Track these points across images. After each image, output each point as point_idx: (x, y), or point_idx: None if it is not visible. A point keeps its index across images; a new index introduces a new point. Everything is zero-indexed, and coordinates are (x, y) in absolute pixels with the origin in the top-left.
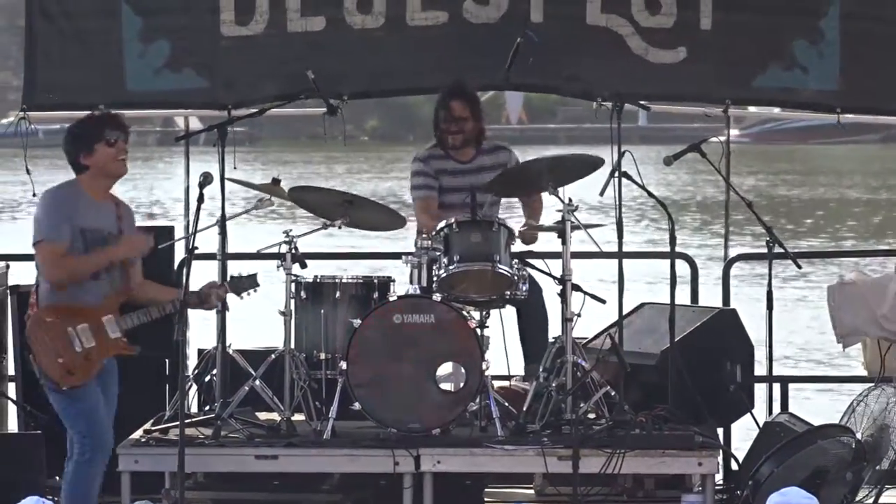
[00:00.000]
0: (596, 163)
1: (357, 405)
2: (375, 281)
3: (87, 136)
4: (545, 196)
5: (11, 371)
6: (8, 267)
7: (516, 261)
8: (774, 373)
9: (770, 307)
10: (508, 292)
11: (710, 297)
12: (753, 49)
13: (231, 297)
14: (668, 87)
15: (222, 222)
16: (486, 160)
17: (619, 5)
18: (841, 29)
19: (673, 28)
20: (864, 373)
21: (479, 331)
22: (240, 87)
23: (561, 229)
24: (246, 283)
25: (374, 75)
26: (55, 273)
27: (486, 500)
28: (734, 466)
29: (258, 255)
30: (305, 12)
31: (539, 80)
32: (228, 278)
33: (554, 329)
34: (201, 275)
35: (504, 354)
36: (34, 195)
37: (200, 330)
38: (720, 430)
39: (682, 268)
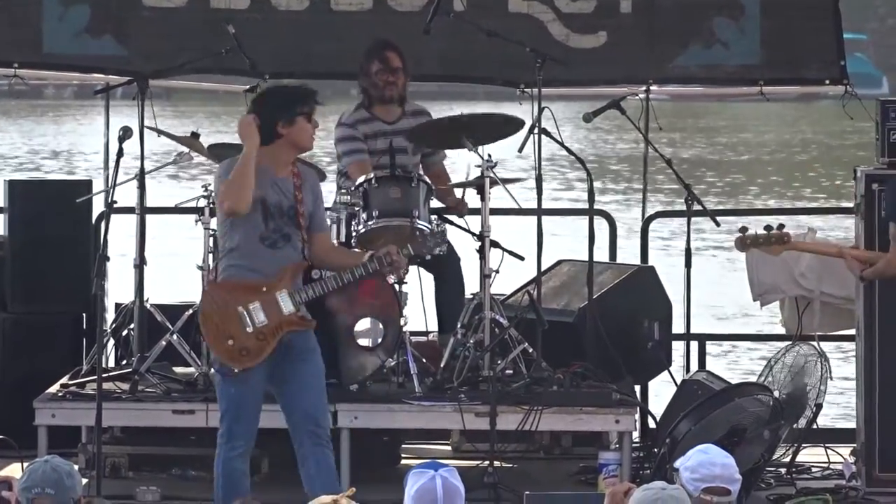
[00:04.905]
0: (517, 124)
1: None
2: None
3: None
4: (460, 154)
5: None
6: None
7: (435, 217)
8: (692, 330)
9: (688, 265)
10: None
11: (629, 254)
12: (674, 29)
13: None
14: (590, 72)
15: (141, 177)
16: (409, 122)
17: None
18: (762, 2)
19: (593, 13)
20: (782, 331)
21: (397, 287)
22: (158, 58)
23: (480, 185)
24: (430, 242)
25: (297, 57)
26: (222, 199)
27: (402, 456)
28: (651, 424)
29: (176, 210)
30: None
31: (460, 71)
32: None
33: (472, 286)
34: (120, 229)
35: (422, 310)
36: None
37: (118, 284)
38: (638, 388)
39: (602, 225)
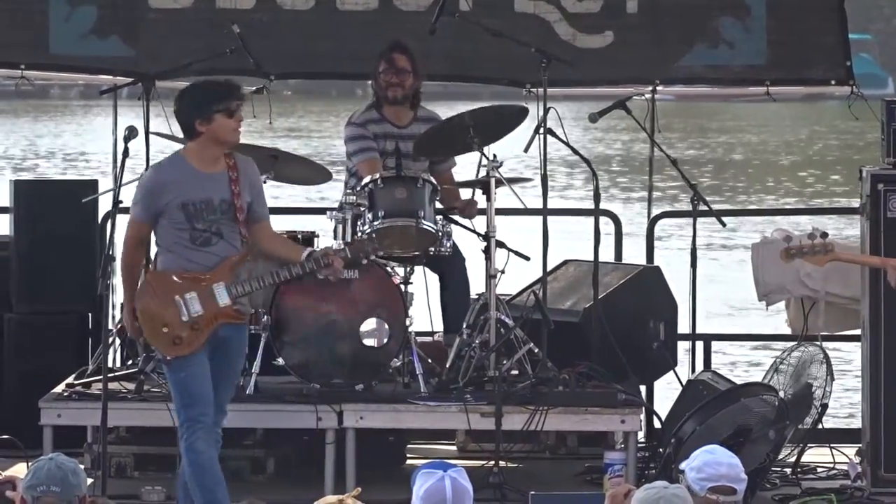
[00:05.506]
0: (520, 113)
1: (280, 360)
2: (299, 236)
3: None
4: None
5: None
6: None
7: (440, 217)
8: (698, 330)
9: (694, 265)
10: (432, 248)
11: (635, 254)
12: (679, 29)
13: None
14: (596, 72)
15: None
16: (420, 128)
17: None
18: (767, 2)
19: (600, 13)
20: (788, 331)
21: (402, 287)
22: (164, 59)
23: (485, 184)
24: (368, 247)
25: (302, 57)
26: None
27: (408, 456)
28: (657, 424)
29: None
30: None
31: (466, 71)
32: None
33: (477, 286)
34: (125, 230)
35: (427, 311)
36: None
37: None
38: (643, 388)
39: (607, 225)
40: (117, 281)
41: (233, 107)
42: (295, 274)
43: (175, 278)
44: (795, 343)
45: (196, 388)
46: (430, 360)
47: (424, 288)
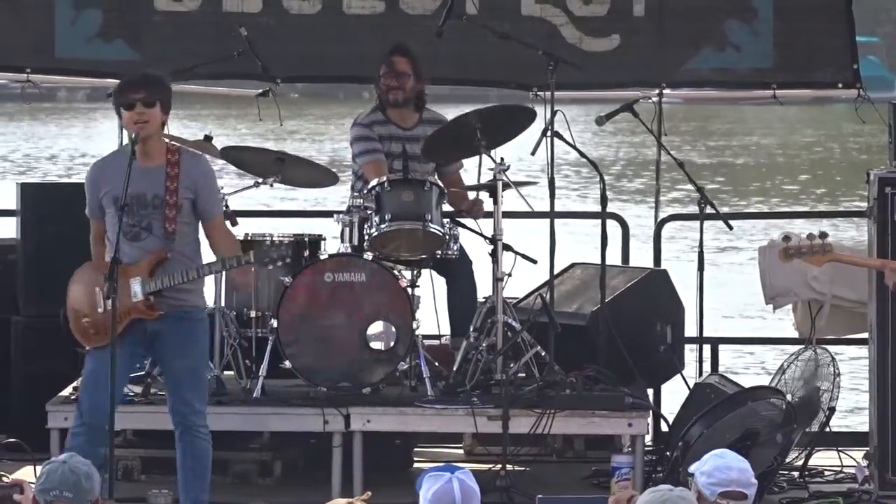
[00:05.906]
0: (527, 115)
1: (287, 363)
2: (306, 239)
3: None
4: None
5: None
6: None
7: (447, 220)
8: (705, 334)
9: (701, 268)
10: (439, 252)
11: (642, 257)
12: (686, 32)
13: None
14: (603, 75)
15: None
16: (425, 130)
17: None
18: (775, 5)
19: (606, 16)
20: (795, 334)
21: (409, 290)
22: (170, 62)
23: (492, 188)
24: (273, 254)
25: (309, 61)
26: None
27: (415, 459)
28: (664, 427)
29: None
30: None
31: (473, 74)
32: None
33: (484, 289)
34: None
35: (434, 314)
36: None
37: None
38: (650, 391)
39: (614, 228)
40: None
41: (129, 99)
42: (202, 274)
43: (101, 271)
44: (802, 346)
45: (98, 384)
46: (436, 364)
47: (431, 291)
